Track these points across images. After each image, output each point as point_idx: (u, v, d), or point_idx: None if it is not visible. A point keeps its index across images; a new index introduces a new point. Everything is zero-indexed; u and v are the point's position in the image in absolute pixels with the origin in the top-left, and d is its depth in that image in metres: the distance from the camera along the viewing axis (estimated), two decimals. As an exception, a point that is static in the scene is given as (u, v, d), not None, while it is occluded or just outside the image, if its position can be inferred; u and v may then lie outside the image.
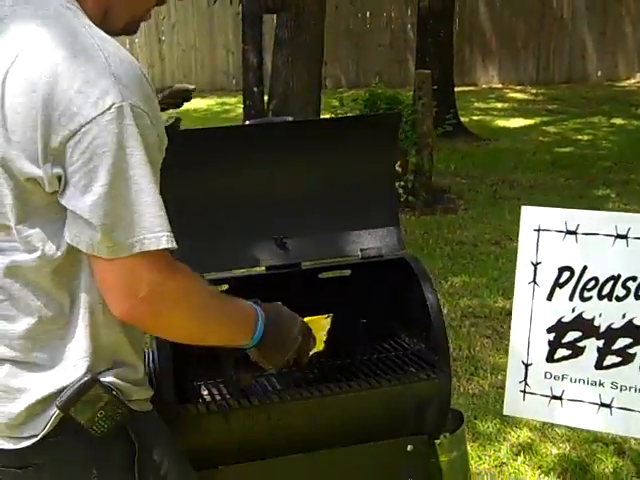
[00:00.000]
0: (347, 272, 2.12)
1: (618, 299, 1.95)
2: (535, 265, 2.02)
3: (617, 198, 6.84)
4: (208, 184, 1.92)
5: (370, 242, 2.02)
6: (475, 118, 11.69)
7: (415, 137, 6.44)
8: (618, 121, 11.06)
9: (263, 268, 2.04)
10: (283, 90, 6.83)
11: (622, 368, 1.98)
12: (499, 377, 3.61)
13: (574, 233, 1.97)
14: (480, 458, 3.04)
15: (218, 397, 1.86)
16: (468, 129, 10.04)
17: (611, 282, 1.95)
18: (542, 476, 2.92)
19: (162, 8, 15.49)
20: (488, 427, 3.25)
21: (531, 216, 2.02)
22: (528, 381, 2.06)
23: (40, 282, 1.32)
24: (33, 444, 1.35)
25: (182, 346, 1.55)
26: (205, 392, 1.90)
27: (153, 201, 1.24)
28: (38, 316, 1.33)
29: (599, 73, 16.19)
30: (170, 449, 1.50)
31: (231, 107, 12.41)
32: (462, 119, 10.56)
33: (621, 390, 1.98)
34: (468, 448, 3.07)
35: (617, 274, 1.95)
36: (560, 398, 2.04)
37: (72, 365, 1.34)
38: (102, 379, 1.35)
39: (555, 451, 3.08)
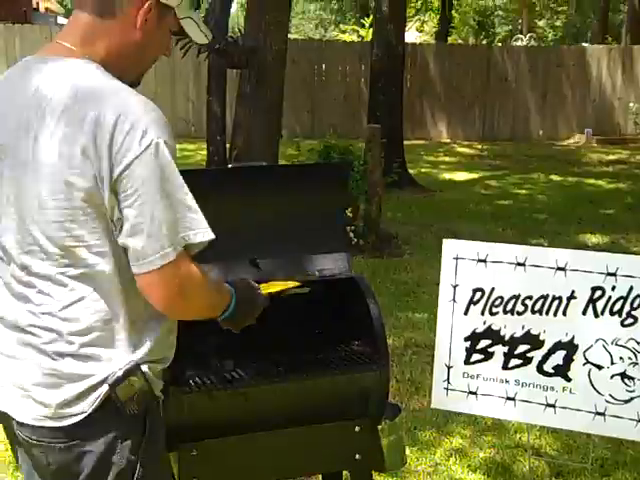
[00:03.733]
0: (306, 289, 2.62)
1: (518, 314, 2.49)
2: (454, 287, 2.55)
3: (549, 247, 7.48)
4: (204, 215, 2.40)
5: (325, 264, 2.53)
6: (423, 170, 12.39)
7: (365, 186, 7.01)
8: (555, 178, 11.85)
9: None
10: (244, 139, 7.35)
11: (523, 369, 2.50)
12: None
13: (484, 261, 2.51)
14: (418, 460, 3.53)
15: (207, 382, 2.31)
16: (416, 181, 10.70)
17: (513, 300, 2.49)
18: (470, 474, 3.41)
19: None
20: (426, 436, 3.74)
21: (451, 247, 2.56)
22: (450, 380, 2.58)
23: (109, 290, 1.63)
24: (80, 421, 1.63)
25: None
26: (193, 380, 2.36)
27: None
28: (99, 318, 1.63)
29: (540, 132, 17.15)
30: (161, 446, 1.82)
31: (190, 153, 12.87)
32: (411, 171, 11.24)
33: (522, 386, 2.50)
34: (408, 451, 3.57)
35: (517, 294, 2.48)
36: (475, 393, 2.56)
37: (121, 357, 1.65)
38: (143, 366, 1.67)
39: (482, 454, 3.58)
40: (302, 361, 2.44)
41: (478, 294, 2.53)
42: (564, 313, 2.44)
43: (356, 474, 2.44)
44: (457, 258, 2.55)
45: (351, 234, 6.97)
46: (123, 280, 1.64)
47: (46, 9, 29.63)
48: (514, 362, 2.50)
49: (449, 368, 2.56)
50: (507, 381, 2.51)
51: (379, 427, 2.45)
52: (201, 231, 1.65)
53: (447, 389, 2.57)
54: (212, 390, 2.26)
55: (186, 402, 2.23)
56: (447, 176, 11.97)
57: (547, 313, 2.46)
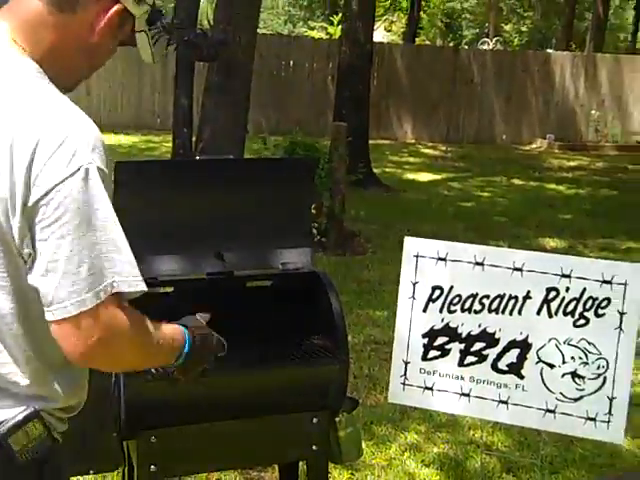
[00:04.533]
0: (268, 283, 2.66)
1: (475, 312, 2.55)
2: (414, 284, 2.61)
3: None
4: (165, 207, 2.42)
5: (289, 258, 2.56)
6: (388, 170, 12.48)
7: (329, 183, 7.06)
8: (517, 181, 12.01)
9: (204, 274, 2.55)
10: (211, 132, 7.36)
11: (478, 366, 2.56)
12: (391, 393, 4.19)
13: (444, 260, 2.57)
14: (374, 454, 3.59)
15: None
16: (380, 180, 10.77)
17: (470, 299, 2.55)
18: (424, 468, 3.48)
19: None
20: (382, 430, 3.81)
21: (412, 245, 2.61)
22: (407, 375, 2.63)
23: (8, 332, 1.43)
24: None
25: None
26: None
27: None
28: None
29: (504, 136, 17.36)
30: None
31: (155, 145, 12.83)
32: (376, 170, 11.30)
33: (477, 383, 2.57)
34: (364, 445, 3.63)
35: (475, 292, 2.55)
36: (431, 389, 2.61)
37: (18, 405, 1.46)
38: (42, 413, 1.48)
39: (436, 450, 3.66)
40: (263, 353, 2.48)
41: (437, 292, 2.58)
42: (519, 312, 2.51)
43: (312, 465, 2.48)
44: (417, 256, 2.61)
45: (314, 231, 7.02)
46: (28, 323, 1.43)
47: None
48: (470, 359, 2.56)
49: (406, 364, 2.62)
50: (462, 378, 2.57)
51: (336, 419, 2.50)
52: (129, 280, 1.40)
53: (404, 384, 2.62)
54: (172, 378, 2.29)
55: (146, 389, 2.25)
56: (411, 176, 12.06)
57: (503, 312, 2.52)
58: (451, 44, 28.51)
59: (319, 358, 2.45)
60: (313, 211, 6.95)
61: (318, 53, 16.92)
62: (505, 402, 2.53)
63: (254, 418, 2.36)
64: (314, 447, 2.44)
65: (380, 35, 32.20)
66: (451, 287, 2.57)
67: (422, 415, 3.92)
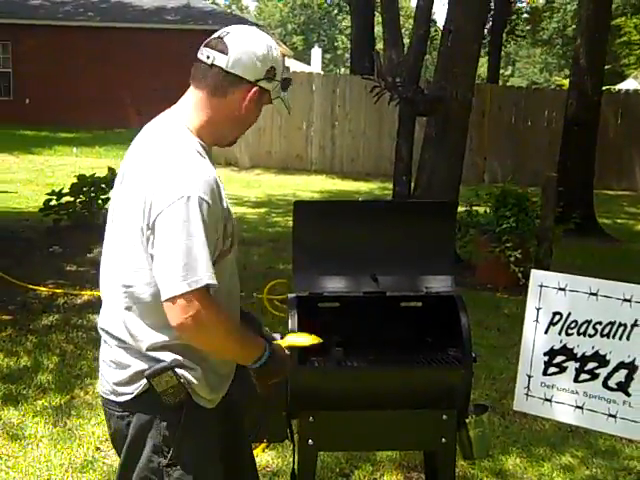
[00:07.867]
0: (419, 303, 3.23)
1: (590, 336, 2.94)
2: (538, 309, 3.05)
3: None
4: (332, 238, 3.07)
5: (432, 284, 3.12)
6: (619, 221, 12.37)
7: (536, 231, 7.40)
8: None
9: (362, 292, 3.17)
10: (427, 180, 8.01)
11: (590, 383, 2.94)
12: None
13: (563, 290, 2.99)
14: (526, 469, 3.97)
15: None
16: (604, 230, 10.78)
17: (585, 324, 2.94)
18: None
19: (338, 97, 17.20)
20: (539, 451, 4.17)
21: (537, 277, 3.06)
22: (530, 387, 3.06)
23: (156, 301, 2.07)
24: (130, 399, 2.19)
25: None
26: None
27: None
28: (148, 322, 2.14)
29: None
30: (202, 446, 2.22)
31: (390, 192, 13.67)
32: (606, 221, 11.31)
33: (589, 397, 2.94)
34: (518, 461, 4.02)
35: (589, 319, 2.94)
36: (550, 400, 3.02)
37: (157, 356, 2.14)
38: (176, 370, 2.13)
39: (587, 472, 3.97)
40: (403, 359, 3.05)
41: (557, 317, 3.00)
42: (628, 338, 2.86)
43: (441, 456, 2.98)
44: (541, 286, 3.05)
45: (519, 275, 7.39)
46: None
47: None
48: (583, 376, 2.94)
49: (529, 377, 3.05)
50: (577, 392, 2.95)
51: (467, 420, 3.00)
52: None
53: (527, 395, 3.06)
54: (327, 370, 2.92)
55: (308, 380, 2.89)
56: (642, 227, 11.89)
57: (614, 337, 2.88)
58: None
59: (448, 365, 2.97)
60: (519, 255, 7.33)
61: (557, 103, 16.97)
62: (614, 416, 2.88)
63: (395, 410, 2.92)
64: (443, 440, 2.95)
65: (633, 83, 31.15)
66: (569, 313, 2.98)
67: (582, 441, 4.22)
